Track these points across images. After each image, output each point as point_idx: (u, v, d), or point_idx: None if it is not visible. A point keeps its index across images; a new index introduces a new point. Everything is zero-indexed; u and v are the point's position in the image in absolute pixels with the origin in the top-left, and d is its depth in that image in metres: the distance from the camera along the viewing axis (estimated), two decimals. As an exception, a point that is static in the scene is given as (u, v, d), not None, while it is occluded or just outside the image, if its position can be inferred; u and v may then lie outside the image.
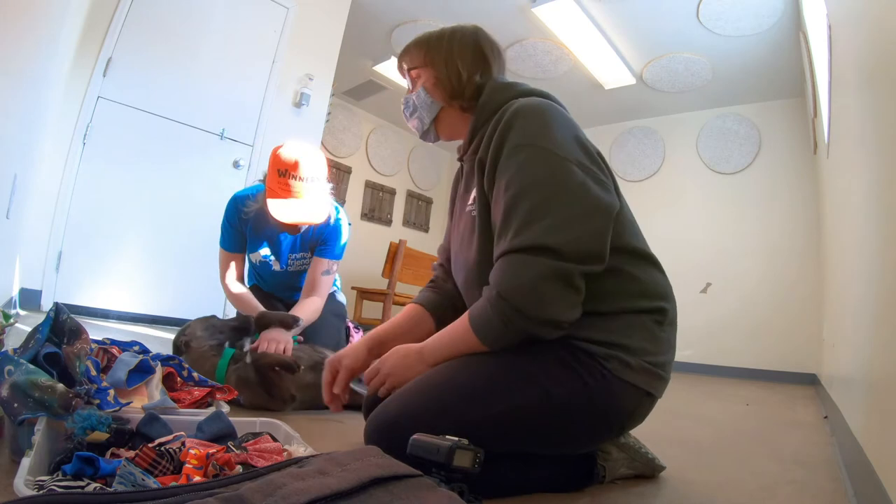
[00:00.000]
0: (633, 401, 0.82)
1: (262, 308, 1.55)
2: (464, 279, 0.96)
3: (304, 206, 1.47)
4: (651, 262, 0.90)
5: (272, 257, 1.68)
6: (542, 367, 0.77)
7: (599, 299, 0.79)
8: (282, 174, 1.45)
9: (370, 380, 0.90)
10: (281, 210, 1.44)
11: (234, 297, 1.63)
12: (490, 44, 1.01)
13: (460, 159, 1.01)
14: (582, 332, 0.78)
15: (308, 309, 1.55)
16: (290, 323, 1.37)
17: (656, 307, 0.85)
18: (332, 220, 1.63)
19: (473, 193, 0.91)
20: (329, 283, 1.66)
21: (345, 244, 1.68)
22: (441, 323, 1.05)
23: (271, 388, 1.22)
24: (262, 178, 1.57)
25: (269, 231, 1.63)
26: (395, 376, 0.86)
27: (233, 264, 1.66)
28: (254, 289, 1.76)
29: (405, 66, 1.03)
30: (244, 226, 1.63)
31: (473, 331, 0.79)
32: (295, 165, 1.44)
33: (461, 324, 0.81)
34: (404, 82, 1.07)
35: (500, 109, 0.88)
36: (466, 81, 0.96)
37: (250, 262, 1.73)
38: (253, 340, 1.36)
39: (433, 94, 0.98)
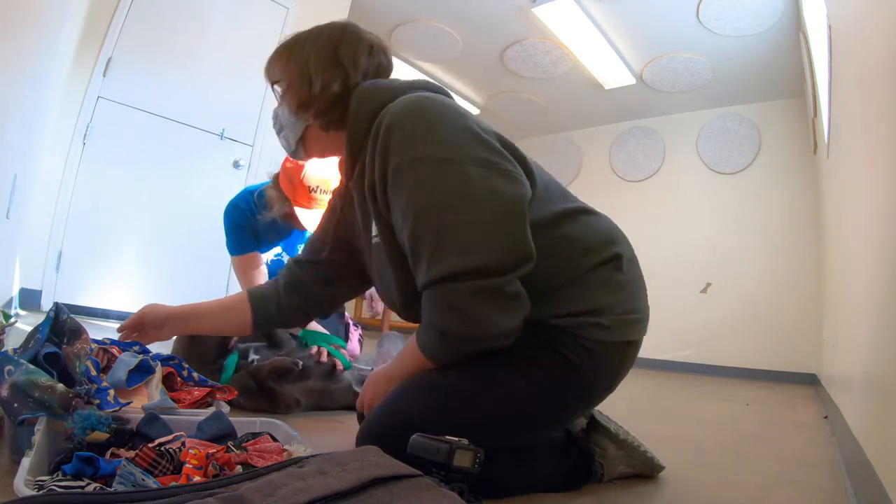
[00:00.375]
0: (618, 356, 0.80)
1: None
2: (395, 308, 0.91)
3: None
4: (583, 212, 0.84)
5: (283, 254, 1.72)
6: (522, 356, 0.75)
7: (551, 276, 0.77)
8: (313, 190, 1.50)
9: (361, 410, 0.90)
10: (312, 220, 1.49)
11: None
12: (354, 44, 0.87)
13: (347, 185, 0.91)
14: (550, 310, 0.76)
15: None
16: (288, 371, 1.28)
17: (608, 256, 0.81)
18: None
19: (373, 224, 0.84)
20: None
21: None
22: (258, 316, 1.05)
23: (273, 395, 1.22)
24: (272, 181, 1.58)
25: (283, 231, 1.66)
26: (374, 406, 0.86)
27: (253, 269, 1.66)
28: None
29: (270, 79, 0.93)
30: (256, 225, 1.65)
31: (429, 360, 0.77)
32: (326, 182, 1.51)
33: (415, 353, 0.78)
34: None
35: (375, 121, 0.78)
36: (319, 93, 0.84)
37: None
38: (257, 349, 1.35)
39: (292, 108, 0.88)
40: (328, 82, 0.85)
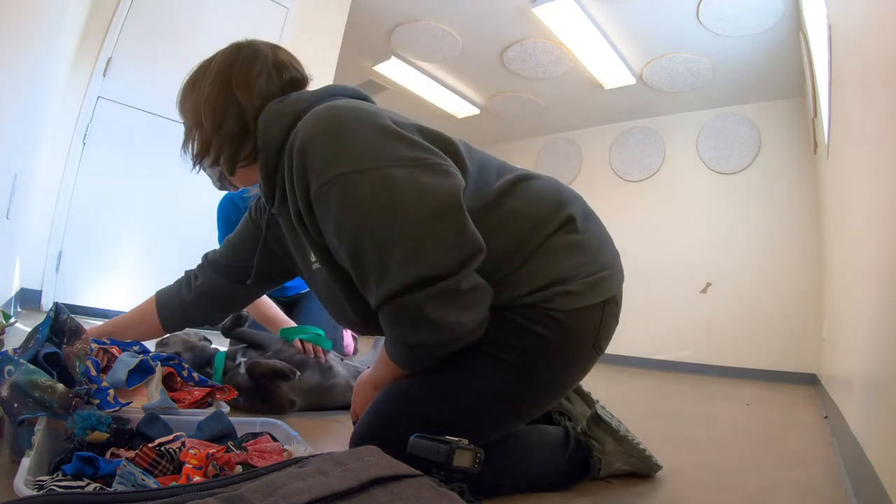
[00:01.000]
0: (595, 318, 0.76)
1: (279, 313, 1.55)
2: (355, 328, 0.90)
3: None
4: (523, 179, 0.80)
5: None
6: (490, 341, 0.73)
7: (507, 257, 0.74)
8: None
9: (354, 418, 0.90)
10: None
11: (251, 305, 1.63)
12: (248, 69, 0.82)
13: (271, 211, 0.87)
14: (515, 291, 0.73)
15: None
16: (286, 378, 1.25)
17: (561, 221, 0.77)
18: None
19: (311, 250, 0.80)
20: None
21: None
22: (166, 321, 1.09)
23: (268, 396, 1.22)
24: None
25: None
26: (362, 411, 0.85)
27: None
28: None
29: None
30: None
31: (404, 370, 0.77)
32: None
33: (389, 362, 0.78)
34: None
35: (288, 140, 0.73)
36: (213, 137, 0.82)
37: None
38: (245, 351, 1.33)
39: (197, 158, 0.87)
40: (220, 122, 0.81)
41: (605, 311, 0.78)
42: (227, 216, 1.63)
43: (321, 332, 1.40)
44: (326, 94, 0.79)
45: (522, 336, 0.73)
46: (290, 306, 1.71)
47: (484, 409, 0.75)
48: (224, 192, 1.64)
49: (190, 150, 0.88)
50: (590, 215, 0.83)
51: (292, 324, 1.51)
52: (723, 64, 3.89)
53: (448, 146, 0.75)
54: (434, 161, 0.69)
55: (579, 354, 0.78)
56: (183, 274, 1.14)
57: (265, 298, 1.62)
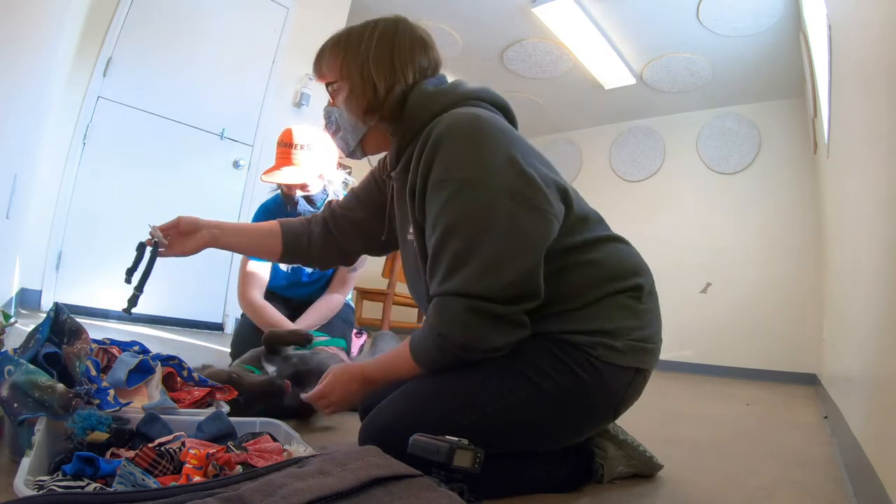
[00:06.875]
0: (625, 381, 0.82)
1: (283, 319, 1.56)
2: (421, 302, 0.95)
3: (291, 169, 1.54)
4: (614, 240, 0.88)
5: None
6: (531, 365, 0.78)
7: (571, 296, 0.80)
8: (279, 144, 1.55)
9: (318, 401, 0.90)
10: (270, 176, 1.53)
11: (252, 310, 1.64)
12: (410, 44, 0.88)
13: (388, 176, 0.96)
14: (564, 326, 0.79)
15: (330, 304, 1.66)
16: (303, 341, 1.32)
17: (630, 285, 0.84)
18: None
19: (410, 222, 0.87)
20: (353, 280, 1.75)
21: None
22: (287, 244, 1.06)
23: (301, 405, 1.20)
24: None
25: None
26: (341, 403, 0.90)
27: (255, 274, 1.66)
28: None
29: (322, 78, 0.92)
30: None
31: (415, 361, 0.80)
32: (288, 133, 1.54)
33: (402, 354, 0.82)
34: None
35: (426, 125, 0.81)
36: (384, 97, 0.85)
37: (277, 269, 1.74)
38: (268, 357, 1.31)
39: (354, 111, 0.88)
40: (391, 87, 0.86)
41: (636, 379, 0.83)
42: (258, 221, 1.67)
43: (342, 343, 1.48)
44: (474, 96, 0.87)
45: (562, 372, 0.78)
46: (297, 309, 1.71)
47: (507, 423, 0.77)
48: (265, 200, 1.69)
49: (345, 110, 0.89)
50: (653, 294, 0.89)
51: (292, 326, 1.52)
52: (723, 64, 3.89)
53: (563, 189, 0.83)
54: (538, 202, 0.76)
55: (601, 405, 0.83)
56: (304, 217, 1.13)
57: (269, 307, 1.62)
